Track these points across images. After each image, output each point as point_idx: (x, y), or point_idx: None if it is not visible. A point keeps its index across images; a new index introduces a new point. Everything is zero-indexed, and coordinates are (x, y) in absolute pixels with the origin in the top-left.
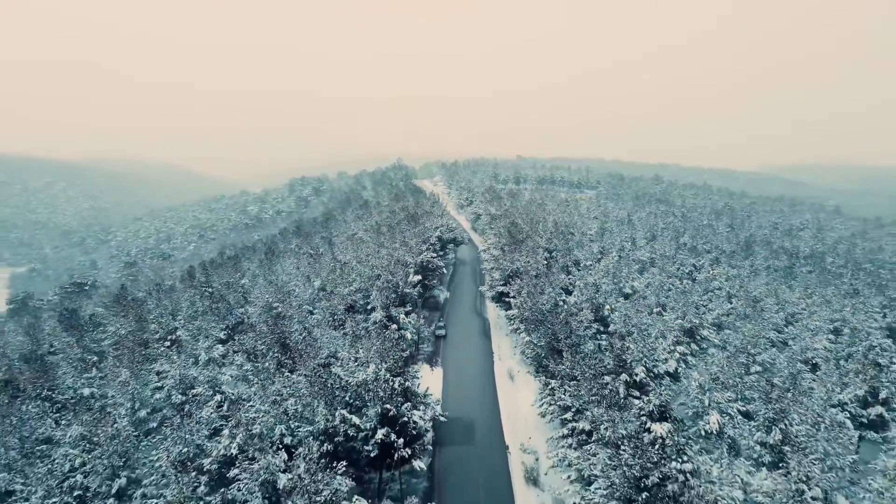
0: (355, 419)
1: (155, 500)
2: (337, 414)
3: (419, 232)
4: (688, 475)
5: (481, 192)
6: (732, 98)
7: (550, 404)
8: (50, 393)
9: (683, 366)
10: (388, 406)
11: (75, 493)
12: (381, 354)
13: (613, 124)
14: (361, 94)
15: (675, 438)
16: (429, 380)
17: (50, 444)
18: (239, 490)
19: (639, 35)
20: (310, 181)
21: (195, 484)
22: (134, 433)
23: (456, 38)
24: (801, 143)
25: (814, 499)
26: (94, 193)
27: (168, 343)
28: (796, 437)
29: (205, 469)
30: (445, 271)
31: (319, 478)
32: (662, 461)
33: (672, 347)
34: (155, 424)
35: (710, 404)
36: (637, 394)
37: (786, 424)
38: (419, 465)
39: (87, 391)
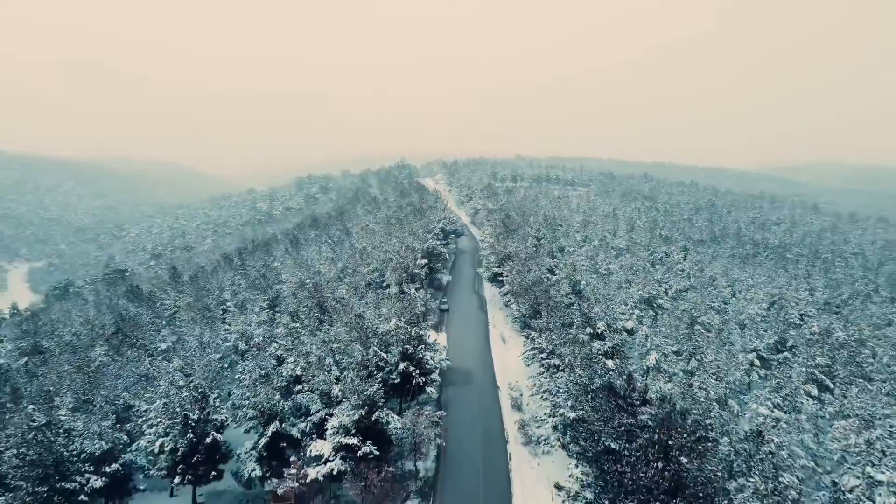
0: (384, 354)
1: (244, 407)
2: (371, 350)
3: (424, 224)
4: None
5: (480, 190)
6: (732, 97)
7: (532, 349)
8: (144, 343)
9: (639, 324)
10: (407, 347)
11: (180, 409)
12: (399, 312)
13: (613, 122)
14: (360, 93)
15: (621, 368)
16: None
17: (149, 378)
18: (303, 397)
19: (640, 33)
20: (317, 179)
21: (273, 393)
22: (217, 365)
23: (456, 35)
24: (799, 143)
25: (716, 399)
26: (103, 192)
27: (222, 310)
28: (706, 364)
29: (276, 385)
30: (448, 257)
31: (361, 383)
32: (604, 373)
33: (631, 311)
34: (226, 365)
35: (651, 347)
36: (598, 342)
37: (700, 357)
38: (431, 390)
39: (163, 345)
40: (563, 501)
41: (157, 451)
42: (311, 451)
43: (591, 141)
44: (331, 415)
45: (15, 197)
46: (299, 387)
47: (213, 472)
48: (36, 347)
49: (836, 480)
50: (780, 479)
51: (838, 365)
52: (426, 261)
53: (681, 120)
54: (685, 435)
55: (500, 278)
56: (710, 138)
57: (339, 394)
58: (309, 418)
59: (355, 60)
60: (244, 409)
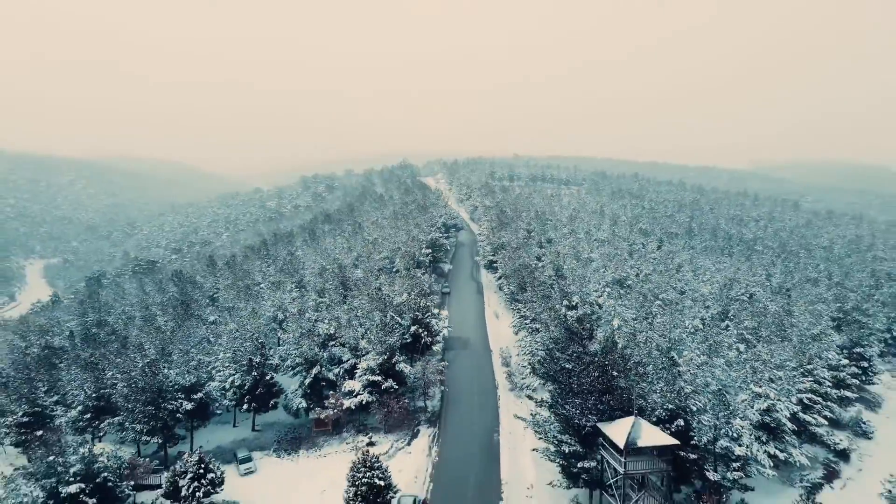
0: (398, 319)
1: (291, 356)
2: (389, 314)
3: (428, 218)
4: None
5: (478, 188)
6: (729, 93)
7: (519, 317)
8: (199, 314)
9: (608, 298)
10: (417, 314)
11: (244, 354)
12: (409, 288)
13: (612, 120)
14: (360, 93)
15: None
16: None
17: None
18: (336, 350)
19: (635, 29)
20: (322, 178)
21: (314, 344)
22: (266, 327)
23: (452, 32)
24: (794, 141)
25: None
26: (112, 190)
27: (258, 289)
28: (655, 325)
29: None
30: (449, 249)
31: (384, 336)
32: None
33: (603, 289)
34: (269, 330)
35: (614, 315)
36: (571, 311)
37: (651, 321)
38: (436, 349)
39: (211, 318)
40: (532, 413)
41: (227, 387)
42: (344, 387)
43: (589, 140)
44: (357, 363)
45: (29, 196)
46: (333, 342)
47: (271, 403)
48: (100, 322)
49: (728, 393)
50: (677, 383)
51: (762, 328)
52: (430, 250)
53: (678, 118)
54: (619, 360)
55: (495, 265)
56: (707, 137)
57: (366, 346)
58: (342, 365)
59: (353, 60)
60: (292, 358)
